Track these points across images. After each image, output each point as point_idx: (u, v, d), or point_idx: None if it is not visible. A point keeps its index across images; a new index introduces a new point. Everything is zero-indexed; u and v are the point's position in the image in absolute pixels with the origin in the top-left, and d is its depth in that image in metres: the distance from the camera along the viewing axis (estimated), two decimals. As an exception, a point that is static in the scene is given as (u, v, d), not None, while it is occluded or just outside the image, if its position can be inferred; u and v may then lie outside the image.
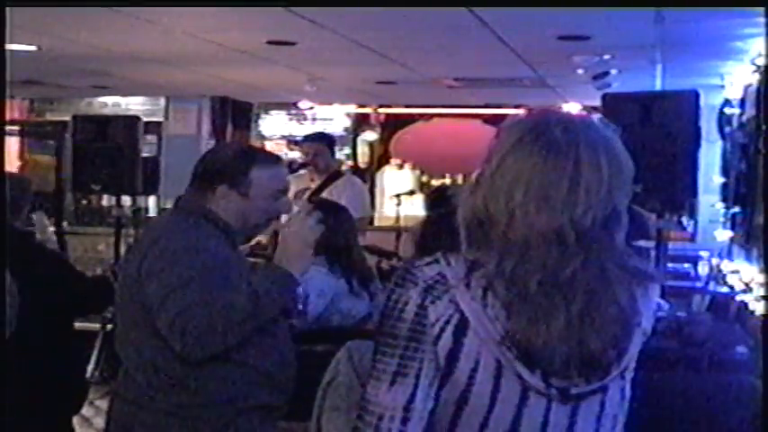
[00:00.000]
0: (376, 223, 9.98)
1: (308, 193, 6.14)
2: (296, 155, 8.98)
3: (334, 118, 11.11)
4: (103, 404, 5.85)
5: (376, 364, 1.54)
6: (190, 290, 2.44)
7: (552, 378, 1.50)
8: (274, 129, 11.36)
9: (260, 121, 11.40)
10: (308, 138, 6.78)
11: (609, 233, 1.53)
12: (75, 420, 3.95)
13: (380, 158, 11.21)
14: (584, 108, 10.10)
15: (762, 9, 4.42)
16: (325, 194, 6.08)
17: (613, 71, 7.00)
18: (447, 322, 1.50)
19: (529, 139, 1.53)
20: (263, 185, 2.67)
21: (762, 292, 4.73)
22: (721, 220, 7.42)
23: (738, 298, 5.02)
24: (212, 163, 2.71)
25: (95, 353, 6.40)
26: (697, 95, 5.05)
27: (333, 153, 6.72)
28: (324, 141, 6.60)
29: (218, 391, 2.54)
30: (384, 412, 1.51)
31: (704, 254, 7.40)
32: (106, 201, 9.74)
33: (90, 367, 6.11)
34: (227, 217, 2.64)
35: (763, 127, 5.31)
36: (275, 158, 2.87)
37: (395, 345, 1.52)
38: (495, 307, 1.48)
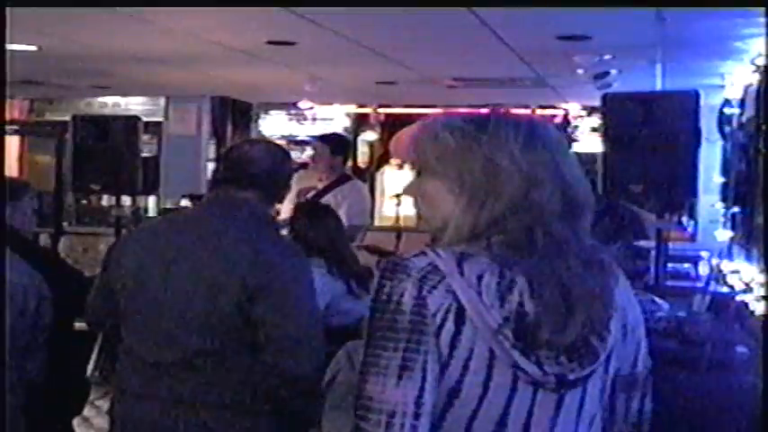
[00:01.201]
0: (376, 223, 9.97)
1: (312, 193, 6.13)
2: (296, 154, 8.98)
3: (334, 118, 11.11)
4: (103, 404, 5.86)
5: (376, 359, 1.49)
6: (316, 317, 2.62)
7: (545, 365, 1.49)
8: (274, 129, 11.35)
9: (260, 121, 11.40)
10: (321, 138, 6.74)
11: (587, 213, 1.60)
12: (75, 420, 3.95)
13: (380, 158, 11.20)
14: (585, 108, 10.12)
15: (762, 9, 4.42)
16: (329, 197, 6.06)
17: (613, 71, 7.00)
18: (447, 311, 1.48)
19: (536, 138, 1.58)
20: (292, 176, 2.90)
21: (762, 292, 4.73)
22: (721, 220, 7.42)
23: (738, 298, 5.02)
24: (279, 166, 2.76)
25: (95, 353, 6.41)
26: (697, 95, 5.05)
27: (346, 157, 6.71)
28: (338, 142, 6.58)
29: (250, 391, 2.54)
30: (395, 409, 1.46)
31: (704, 254, 7.40)
32: (106, 201, 9.75)
33: (90, 367, 6.12)
34: (267, 211, 2.75)
35: (763, 127, 5.31)
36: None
37: (397, 338, 1.48)
38: (489, 294, 1.48)
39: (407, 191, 1.67)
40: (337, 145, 6.48)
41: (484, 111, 1.65)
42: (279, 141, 11.15)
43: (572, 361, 1.50)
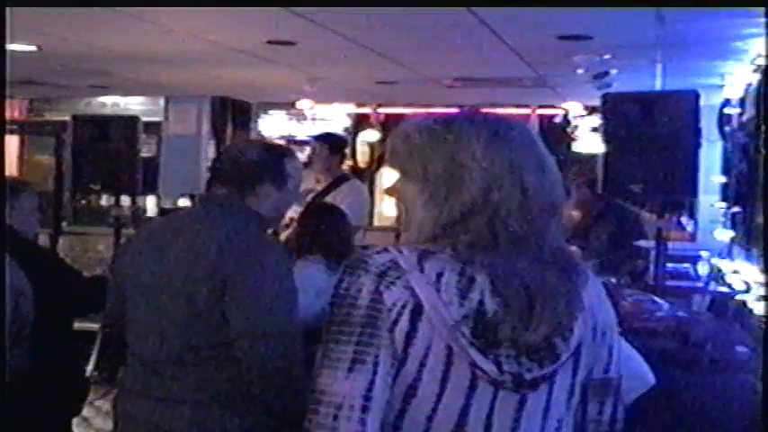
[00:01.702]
0: (376, 223, 9.98)
1: (311, 195, 6.11)
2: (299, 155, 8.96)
3: (334, 118, 11.11)
4: (103, 404, 5.86)
5: (329, 353, 1.49)
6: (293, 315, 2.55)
7: (504, 364, 1.48)
8: (274, 129, 11.35)
9: (259, 121, 11.40)
10: (319, 137, 6.72)
11: (557, 211, 1.59)
12: (75, 420, 3.95)
13: (380, 158, 11.19)
14: (585, 108, 10.12)
15: (762, 9, 4.42)
16: (329, 198, 6.05)
17: (613, 71, 7.00)
18: (403, 307, 1.48)
19: (500, 136, 1.58)
20: (294, 176, 2.78)
21: (762, 292, 4.72)
22: (721, 220, 7.43)
23: (738, 298, 5.02)
24: (249, 164, 2.72)
25: (95, 353, 6.41)
26: (697, 95, 5.05)
27: (343, 156, 6.69)
28: (335, 142, 6.57)
29: (240, 389, 2.54)
30: (342, 401, 1.46)
31: (704, 254, 7.39)
32: (105, 201, 9.75)
33: (90, 367, 6.12)
34: (264, 212, 2.70)
35: (763, 127, 5.31)
36: (292, 150, 2.97)
37: (350, 332, 1.48)
38: (448, 291, 1.47)
39: (388, 192, 1.68)
40: (335, 145, 6.47)
41: (454, 111, 1.66)
42: (278, 141, 11.21)
43: (532, 361, 1.49)
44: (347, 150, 6.95)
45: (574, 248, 6.18)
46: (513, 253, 1.51)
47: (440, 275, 1.48)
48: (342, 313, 1.50)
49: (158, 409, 2.55)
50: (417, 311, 1.48)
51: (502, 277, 1.49)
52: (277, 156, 2.76)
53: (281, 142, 11.00)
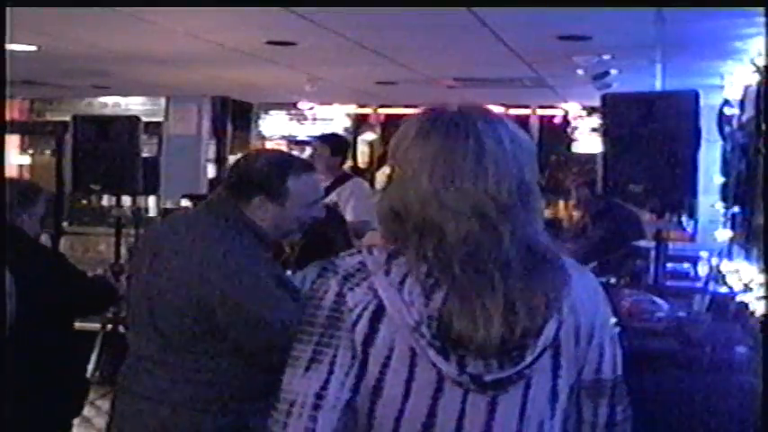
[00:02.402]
0: (376, 223, 9.98)
1: None
2: (296, 155, 8.96)
3: (334, 118, 11.11)
4: (104, 404, 5.86)
5: (293, 352, 1.53)
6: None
7: (467, 365, 1.47)
8: (274, 129, 11.36)
9: (260, 121, 11.40)
10: (320, 138, 6.73)
11: (525, 207, 1.53)
12: (75, 420, 3.95)
13: (380, 158, 11.20)
14: (585, 108, 10.13)
15: (762, 9, 4.42)
16: (333, 196, 6.06)
17: (613, 71, 7.00)
18: (365, 309, 1.50)
19: (428, 127, 1.56)
20: (299, 195, 2.68)
21: (762, 292, 4.72)
22: (721, 220, 7.42)
23: (738, 298, 5.02)
24: (248, 173, 2.69)
25: (95, 353, 6.42)
26: (697, 95, 5.04)
27: (345, 157, 6.70)
28: (337, 143, 6.58)
29: (238, 388, 2.55)
30: (296, 399, 1.50)
31: (704, 254, 7.39)
32: (106, 201, 9.75)
33: (90, 367, 6.12)
34: (263, 225, 2.65)
35: (763, 127, 5.31)
36: (309, 166, 2.85)
37: (311, 332, 1.52)
38: (412, 293, 1.48)
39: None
40: (337, 145, 6.47)
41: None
42: (279, 141, 11.22)
43: (493, 362, 1.48)
44: (349, 152, 6.94)
45: (568, 246, 6.18)
46: (481, 254, 1.48)
47: (405, 277, 1.49)
48: (308, 314, 1.54)
49: (140, 407, 2.58)
50: (379, 313, 1.49)
51: (466, 279, 1.47)
52: (279, 172, 2.67)
53: (282, 142, 11.05)
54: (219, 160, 10.87)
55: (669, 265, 6.05)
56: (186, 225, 2.68)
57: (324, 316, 1.52)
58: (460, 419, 1.50)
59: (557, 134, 10.43)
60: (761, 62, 5.61)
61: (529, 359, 1.49)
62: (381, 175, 11.09)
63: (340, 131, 10.84)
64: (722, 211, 7.31)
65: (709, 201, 7.57)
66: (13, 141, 10.86)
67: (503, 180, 1.51)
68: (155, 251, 2.63)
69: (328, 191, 6.24)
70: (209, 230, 2.60)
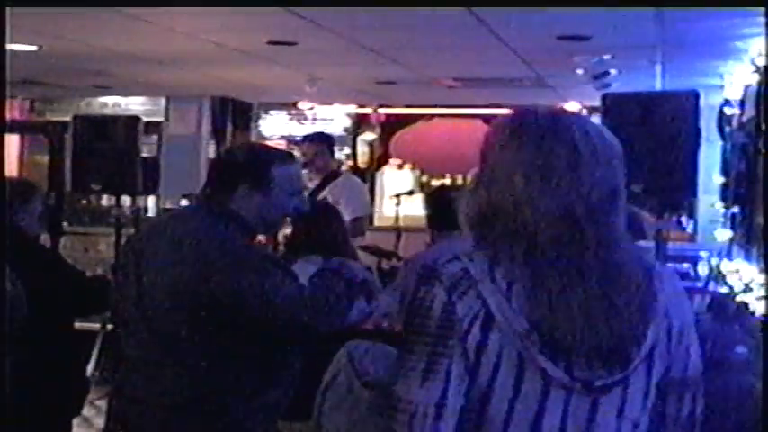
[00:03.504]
0: (376, 223, 9.97)
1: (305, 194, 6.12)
2: (296, 155, 8.96)
3: (334, 118, 11.11)
4: (103, 404, 5.86)
5: (405, 362, 1.55)
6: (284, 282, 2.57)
7: (575, 370, 1.50)
8: (274, 129, 11.35)
9: (260, 121, 11.40)
10: (307, 138, 6.79)
11: (615, 212, 1.56)
12: (75, 420, 3.95)
13: (380, 158, 11.20)
14: (584, 108, 10.12)
15: (762, 9, 4.42)
16: (324, 194, 6.08)
17: (613, 71, 7.00)
18: (475, 317, 1.52)
19: (521, 131, 1.57)
20: (282, 184, 2.70)
21: (762, 292, 4.73)
22: (721, 220, 7.42)
23: (738, 298, 5.02)
24: (232, 164, 2.74)
25: (95, 353, 6.42)
26: (697, 95, 5.04)
27: (332, 153, 6.74)
28: (324, 141, 6.61)
29: (233, 388, 2.55)
30: (417, 409, 1.52)
31: (704, 254, 7.39)
32: (106, 201, 9.75)
33: (90, 367, 6.13)
34: (247, 216, 2.66)
35: (763, 127, 5.31)
36: (291, 156, 2.90)
37: (424, 342, 1.54)
38: (519, 299, 1.50)
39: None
40: (323, 143, 6.52)
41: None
42: (279, 141, 11.23)
43: (602, 367, 1.51)
44: (335, 148, 6.99)
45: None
46: (583, 260, 1.51)
47: (510, 284, 1.51)
48: (416, 323, 1.55)
49: (137, 409, 2.59)
50: (488, 321, 1.51)
51: (571, 285, 1.50)
52: (262, 160, 2.71)
53: (282, 142, 11.05)
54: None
55: (669, 265, 6.04)
56: (173, 223, 2.69)
57: (435, 326, 1.53)
58: (564, 421, 1.53)
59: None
60: (761, 62, 5.61)
61: (636, 362, 1.53)
62: (386, 174, 11.11)
63: (340, 131, 10.86)
64: (722, 211, 7.31)
65: (709, 201, 7.57)
66: (13, 141, 10.85)
67: (595, 185, 1.54)
68: (143, 252, 2.63)
69: (320, 189, 6.27)
70: (197, 225, 2.61)
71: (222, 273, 2.49)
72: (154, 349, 2.57)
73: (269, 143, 11.17)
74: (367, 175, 10.63)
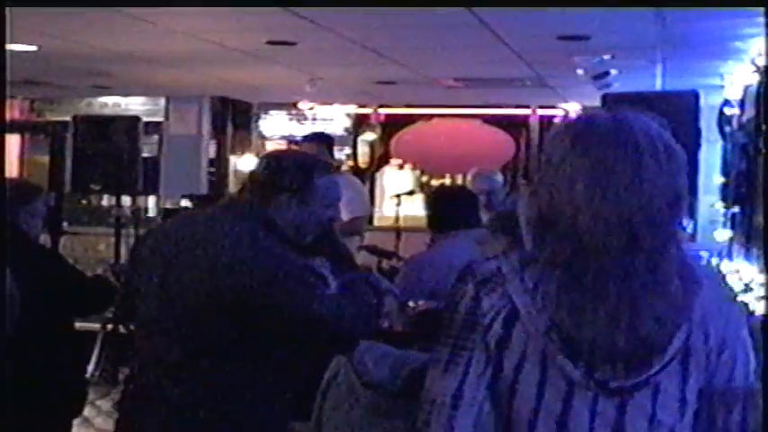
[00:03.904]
0: (376, 223, 9.98)
1: None
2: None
3: (334, 118, 11.11)
4: (103, 404, 5.87)
5: (433, 354, 1.62)
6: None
7: (595, 371, 1.52)
8: (274, 129, 11.36)
9: (260, 121, 11.41)
10: (307, 138, 6.79)
11: (673, 221, 1.56)
12: (75, 420, 3.95)
13: (380, 158, 11.20)
14: (585, 108, 10.13)
15: (762, 9, 4.42)
16: None
17: (613, 71, 7.00)
18: (498, 312, 1.56)
19: (584, 136, 1.58)
20: (322, 194, 2.70)
21: (762, 292, 4.72)
22: (721, 220, 7.42)
23: (738, 298, 5.01)
24: (275, 170, 2.70)
25: (95, 353, 6.42)
26: (697, 95, 5.05)
27: (331, 153, 6.73)
28: (322, 141, 6.60)
29: (259, 391, 2.55)
30: (435, 398, 1.59)
31: (704, 254, 7.38)
32: (106, 201, 9.76)
33: (90, 367, 6.12)
34: (284, 225, 2.64)
35: (763, 127, 5.31)
36: (332, 167, 2.91)
37: (448, 335, 1.60)
38: (544, 298, 1.53)
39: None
40: (322, 143, 6.51)
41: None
42: (279, 141, 11.24)
43: (621, 370, 1.52)
44: (335, 148, 6.98)
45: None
46: (613, 261, 1.52)
47: (538, 283, 1.54)
48: (446, 318, 1.62)
49: (160, 412, 2.55)
50: (512, 317, 1.55)
51: (598, 286, 1.51)
52: (307, 169, 2.69)
53: (282, 142, 11.05)
54: (219, 160, 10.88)
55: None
56: (207, 225, 2.63)
57: (460, 320, 1.59)
58: (592, 421, 1.55)
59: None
60: (761, 62, 5.61)
61: (656, 367, 1.53)
62: (386, 174, 11.11)
63: (340, 131, 10.86)
64: (722, 211, 7.31)
65: (709, 201, 7.57)
66: (13, 141, 10.86)
67: (657, 195, 1.54)
68: (172, 254, 2.59)
69: None
70: (237, 230, 2.57)
71: (267, 282, 2.48)
72: (179, 350, 2.54)
73: (269, 143, 11.21)
74: (367, 175, 10.63)
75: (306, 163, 2.75)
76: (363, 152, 11.24)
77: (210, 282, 2.49)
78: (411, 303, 3.62)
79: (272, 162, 2.76)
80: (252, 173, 2.75)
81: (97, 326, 6.45)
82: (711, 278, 1.65)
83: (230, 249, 2.51)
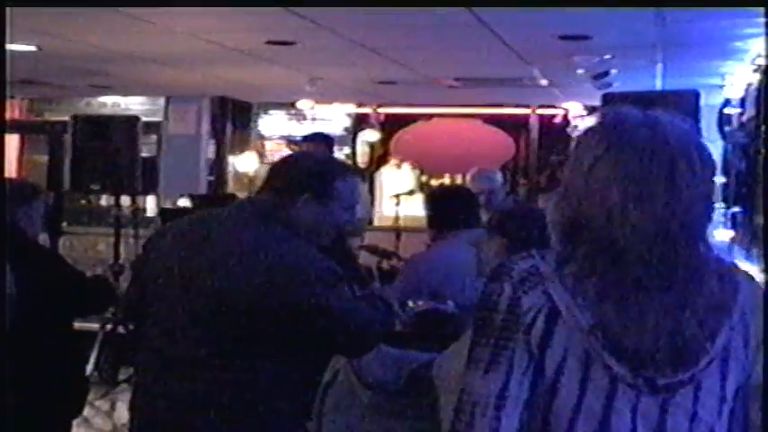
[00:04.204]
0: (376, 223, 9.97)
1: None
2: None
3: (334, 118, 11.11)
4: (103, 404, 5.87)
5: (471, 353, 1.59)
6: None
7: (640, 368, 1.51)
8: (274, 129, 11.35)
9: (259, 121, 11.40)
10: (306, 138, 6.79)
11: (705, 224, 1.58)
12: (75, 420, 3.95)
13: (380, 158, 11.20)
14: (585, 108, 10.12)
15: (762, 9, 4.42)
16: None
17: (613, 71, 7.00)
18: (539, 311, 1.53)
19: (618, 142, 1.56)
20: (342, 197, 2.69)
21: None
22: (721, 219, 7.42)
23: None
24: (297, 172, 2.70)
25: (95, 353, 6.42)
26: (697, 95, 5.05)
27: (331, 153, 6.73)
28: (323, 141, 6.60)
29: (276, 391, 2.54)
30: (479, 400, 1.55)
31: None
32: (105, 201, 9.75)
33: (90, 367, 6.12)
34: (301, 225, 2.63)
35: (763, 127, 5.31)
36: (353, 170, 2.97)
37: (489, 335, 1.57)
38: (585, 297, 1.52)
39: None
40: (322, 144, 6.51)
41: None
42: (278, 141, 11.23)
43: (667, 366, 1.52)
44: (335, 148, 6.98)
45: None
46: (654, 260, 1.52)
47: (577, 282, 1.53)
48: (483, 317, 1.59)
49: (171, 408, 2.54)
50: (553, 315, 1.53)
51: (638, 284, 1.51)
52: (329, 171, 2.70)
53: (281, 142, 11.05)
54: (219, 160, 10.87)
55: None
56: (229, 225, 2.62)
57: (500, 319, 1.56)
58: (634, 420, 1.54)
59: (557, 134, 10.41)
60: (761, 62, 5.61)
61: (702, 364, 1.53)
62: (386, 174, 11.11)
63: (340, 131, 10.85)
64: (722, 210, 7.32)
65: (709, 201, 7.57)
66: (12, 141, 10.86)
67: (692, 202, 1.54)
68: (191, 252, 2.57)
69: None
70: (260, 230, 2.57)
71: (309, 283, 2.49)
72: (200, 350, 2.52)
73: (268, 143, 11.21)
74: (367, 175, 10.62)
75: (328, 164, 2.78)
76: (363, 152, 11.23)
77: (255, 284, 2.46)
78: (411, 303, 3.61)
79: (295, 163, 2.76)
80: (272, 174, 2.74)
81: (97, 326, 6.45)
82: (746, 276, 1.66)
83: (260, 254, 2.50)
